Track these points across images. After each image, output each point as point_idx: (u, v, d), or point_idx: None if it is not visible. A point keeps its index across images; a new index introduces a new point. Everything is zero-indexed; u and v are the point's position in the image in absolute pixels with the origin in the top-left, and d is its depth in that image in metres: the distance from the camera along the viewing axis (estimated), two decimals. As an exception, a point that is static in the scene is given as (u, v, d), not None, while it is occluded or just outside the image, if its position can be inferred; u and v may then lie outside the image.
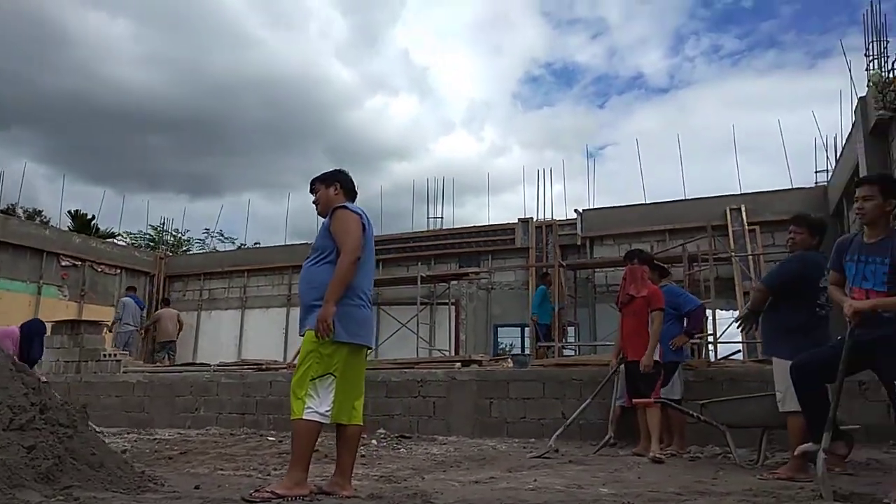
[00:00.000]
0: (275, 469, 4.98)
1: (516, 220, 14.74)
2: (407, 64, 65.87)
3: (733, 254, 11.51)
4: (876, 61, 7.77)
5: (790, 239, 4.94)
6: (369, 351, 3.97)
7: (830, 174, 11.77)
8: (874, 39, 8.03)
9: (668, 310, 6.17)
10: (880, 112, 7.34)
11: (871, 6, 8.17)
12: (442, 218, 16.65)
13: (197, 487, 3.87)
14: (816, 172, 13.28)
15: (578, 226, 13.63)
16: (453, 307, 14.72)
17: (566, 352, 11.98)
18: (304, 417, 3.33)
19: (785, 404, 4.59)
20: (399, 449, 7.00)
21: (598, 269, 13.45)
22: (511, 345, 15.65)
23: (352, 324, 3.49)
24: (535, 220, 14.64)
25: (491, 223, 15.42)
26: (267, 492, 3.27)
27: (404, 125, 64.01)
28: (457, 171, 55.83)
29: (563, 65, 69.78)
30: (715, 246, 11.55)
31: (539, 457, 6.00)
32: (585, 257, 13.71)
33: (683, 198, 13.41)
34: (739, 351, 10.58)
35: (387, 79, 65.07)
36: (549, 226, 14.32)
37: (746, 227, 11.89)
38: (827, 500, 3.61)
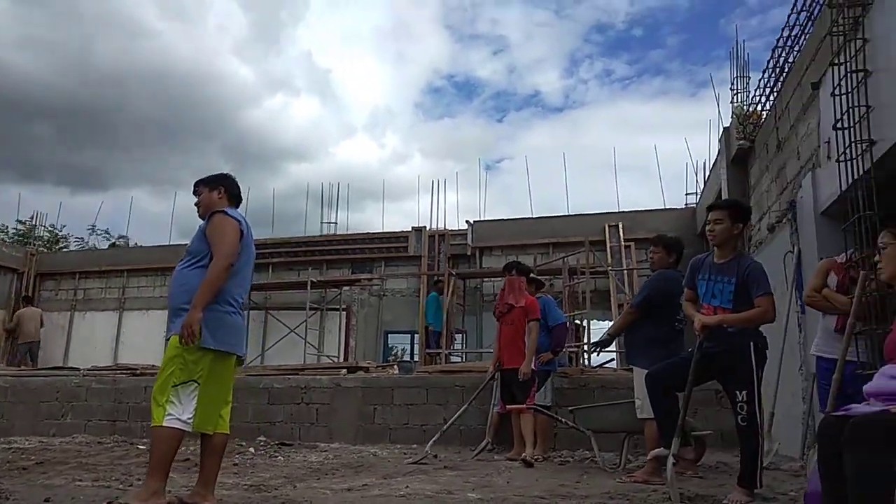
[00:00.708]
0: (138, 479, 4.76)
1: (410, 229, 14.84)
2: (309, 65, 64.78)
3: (610, 268, 12.12)
4: (739, 95, 8.46)
5: (650, 258, 5.29)
6: (244, 357, 3.89)
7: (699, 197, 12.66)
8: (739, 75, 8.74)
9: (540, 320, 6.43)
10: (741, 142, 7.99)
11: (737, 45, 8.90)
12: (336, 223, 16.53)
13: (47, 500, 3.66)
14: (687, 195, 14.29)
15: (469, 236, 13.92)
16: (344, 313, 14.61)
17: (453, 358, 12.18)
18: (164, 425, 3.23)
19: (643, 411, 4.90)
20: (276, 457, 6.88)
21: (486, 279, 13.77)
22: (403, 350, 15.71)
23: (220, 330, 3.42)
24: (428, 228, 14.79)
25: (385, 230, 15.47)
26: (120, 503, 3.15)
27: (305, 127, 62.86)
28: (358, 176, 55.29)
29: (465, 78, 70.95)
30: (594, 260, 12.11)
31: (415, 463, 6.07)
32: (475, 267, 14.00)
33: (566, 213, 14.03)
34: (613, 360, 11.13)
35: (288, 79, 63.72)
36: (442, 235, 14.51)
37: (623, 243, 12.57)
38: (674, 502, 3.89)
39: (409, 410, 8.78)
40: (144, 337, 15.98)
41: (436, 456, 7.11)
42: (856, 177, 4.13)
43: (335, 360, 13.66)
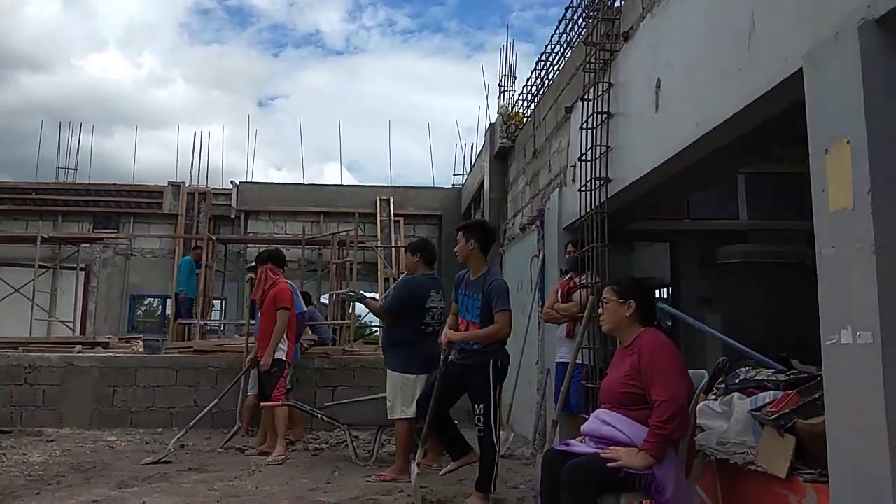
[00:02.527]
0: None
1: (166, 184, 13.65)
2: (50, -42, 55.42)
3: (378, 244, 12.31)
4: (505, 94, 8.98)
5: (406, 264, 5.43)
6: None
7: (465, 178, 13.32)
8: (507, 74, 9.26)
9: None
10: (503, 140, 8.49)
11: (507, 45, 9.42)
12: (76, 168, 14.58)
13: None
14: (455, 175, 14.97)
15: (234, 198, 13.19)
16: (82, 273, 13.05)
17: (210, 329, 11.57)
18: None
19: (393, 411, 5.06)
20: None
21: (251, 245, 13.21)
22: (158, 307, 14.45)
23: None
24: (187, 185, 13.73)
25: (136, 183, 14.05)
26: None
27: (42, 31, 53.95)
28: (107, 96, 48.89)
29: (239, 3, 65.90)
30: (364, 231, 12.21)
31: (156, 462, 5.64)
32: (239, 230, 13.35)
33: (340, 183, 13.99)
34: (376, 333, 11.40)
35: (20, -30, 53.93)
36: (203, 193, 13.57)
37: (393, 217, 12.84)
38: (418, 507, 4.12)
39: (155, 392, 8.20)
40: None
41: (182, 446, 6.72)
42: (592, 208, 4.58)
43: (70, 326, 12.24)
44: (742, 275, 6.31)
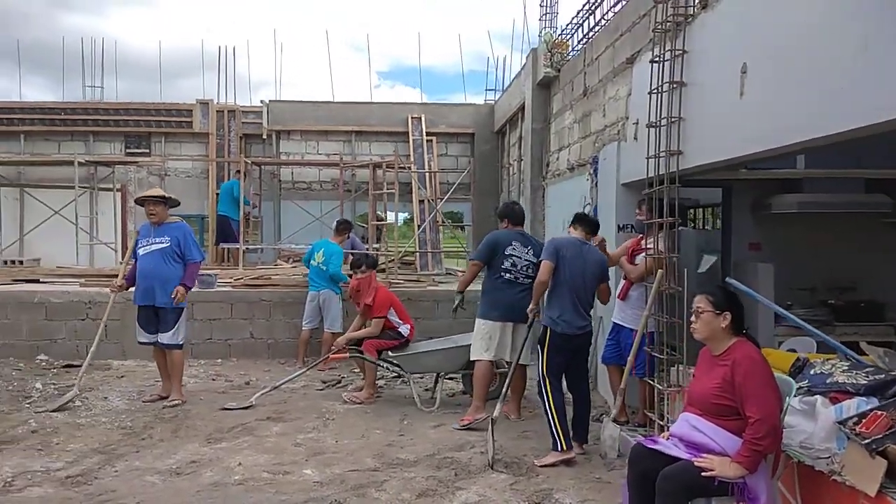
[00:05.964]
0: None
1: (194, 102, 13.48)
2: None
3: (413, 165, 12.24)
4: (548, 19, 8.61)
5: None
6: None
7: (501, 93, 13.00)
8: (551, -1, 8.85)
9: (173, 248, 6.25)
10: (547, 70, 8.26)
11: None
12: (102, 87, 14.40)
13: None
14: (487, 90, 14.64)
15: (264, 118, 13.04)
16: (119, 194, 13.19)
17: (250, 255, 11.81)
18: None
19: (472, 354, 5.43)
20: (79, 410, 6.16)
21: (284, 167, 13.24)
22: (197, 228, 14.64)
23: None
24: (215, 102, 13.55)
25: (164, 101, 13.86)
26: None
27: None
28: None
29: None
30: (397, 150, 12.15)
31: (239, 408, 6.00)
32: (271, 149, 13.31)
33: (370, 101, 13.70)
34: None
35: None
36: (232, 111, 13.42)
37: (425, 136, 12.70)
38: (490, 465, 4.46)
39: (213, 325, 8.56)
40: None
41: (248, 383, 7.13)
42: (659, 175, 4.56)
43: (113, 247, 12.53)
44: (795, 223, 6.34)
